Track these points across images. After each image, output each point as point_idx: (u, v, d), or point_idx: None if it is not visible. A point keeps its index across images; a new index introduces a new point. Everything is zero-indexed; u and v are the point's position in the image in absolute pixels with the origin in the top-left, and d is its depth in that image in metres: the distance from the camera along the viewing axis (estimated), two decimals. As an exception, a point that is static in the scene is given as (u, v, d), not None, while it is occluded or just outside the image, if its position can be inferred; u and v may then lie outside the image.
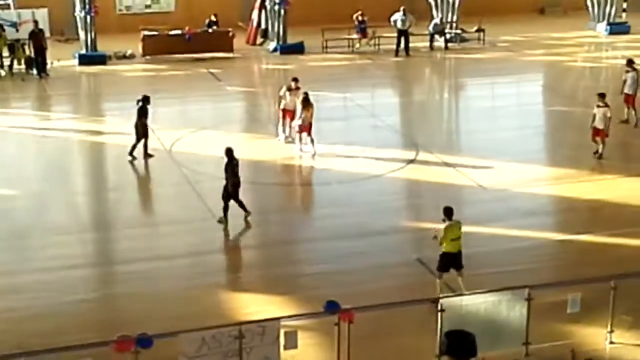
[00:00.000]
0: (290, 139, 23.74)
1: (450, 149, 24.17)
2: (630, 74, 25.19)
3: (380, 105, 29.07)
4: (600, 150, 22.60)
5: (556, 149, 23.59)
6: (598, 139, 22.61)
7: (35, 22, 32.52)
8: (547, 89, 30.94)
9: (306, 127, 22.78)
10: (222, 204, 18.44)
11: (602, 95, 22.82)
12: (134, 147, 22.33)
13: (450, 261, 15.45)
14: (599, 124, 22.45)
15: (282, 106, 23.98)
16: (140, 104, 22.35)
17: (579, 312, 13.76)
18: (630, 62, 25.61)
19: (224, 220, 18.43)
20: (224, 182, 18.47)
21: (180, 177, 21.70)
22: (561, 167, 22.27)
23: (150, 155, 22.48)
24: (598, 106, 22.64)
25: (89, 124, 26.42)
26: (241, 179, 18.58)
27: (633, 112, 25.13)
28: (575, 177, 21.46)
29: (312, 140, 22.79)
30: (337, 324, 12.70)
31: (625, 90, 25.23)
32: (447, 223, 15.35)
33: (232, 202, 18.44)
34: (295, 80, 24.24)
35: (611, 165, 22.29)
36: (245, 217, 18.72)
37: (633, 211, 19.41)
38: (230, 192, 18.44)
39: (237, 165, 18.54)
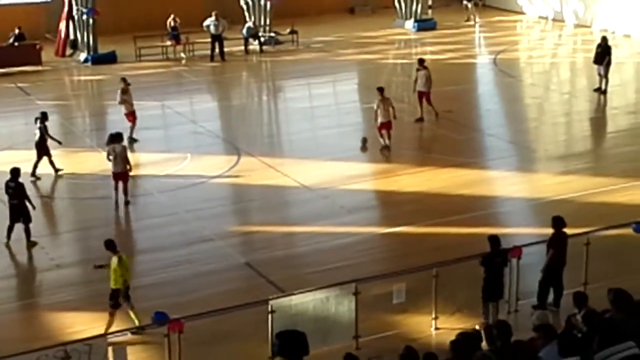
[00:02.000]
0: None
1: (271, 151, 24.28)
2: (421, 73, 25.82)
3: (199, 111, 28.84)
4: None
5: (374, 145, 24.09)
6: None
7: None
8: (361, 87, 31.61)
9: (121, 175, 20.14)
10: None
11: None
12: (36, 165, 21.76)
13: (118, 295, 14.41)
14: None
15: (124, 110, 24.34)
16: (39, 122, 21.77)
17: (404, 302, 14.11)
18: (421, 61, 26.27)
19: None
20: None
21: (-7, 198, 20.73)
22: (380, 163, 22.80)
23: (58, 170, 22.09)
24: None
25: None
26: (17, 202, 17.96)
27: (431, 107, 25.82)
28: (394, 171, 22.02)
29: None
30: (166, 335, 12.46)
31: (419, 88, 25.83)
32: (117, 257, 14.37)
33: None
34: (124, 79, 24.74)
35: (428, 158, 23.02)
36: (27, 244, 17.97)
37: (450, 200, 20.10)
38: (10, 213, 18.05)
39: (16, 187, 17.95)
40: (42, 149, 21.85)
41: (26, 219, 17.97)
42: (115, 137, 20.14)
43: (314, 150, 23.72)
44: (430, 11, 40.66)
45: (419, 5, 39.63)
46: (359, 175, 21.79)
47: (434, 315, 14.45)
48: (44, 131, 21.92)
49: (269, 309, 12.97)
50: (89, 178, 22.09)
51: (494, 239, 14.36)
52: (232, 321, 14.23)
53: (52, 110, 28.25)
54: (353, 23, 41.29)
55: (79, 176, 22.20)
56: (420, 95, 25.88)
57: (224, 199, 21.19)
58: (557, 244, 14.69)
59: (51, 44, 35.03)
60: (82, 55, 34.53)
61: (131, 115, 24.35)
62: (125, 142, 21.78)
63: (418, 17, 39.72)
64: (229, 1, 37.62)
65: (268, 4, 36.85)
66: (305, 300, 13.29)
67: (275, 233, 18.77)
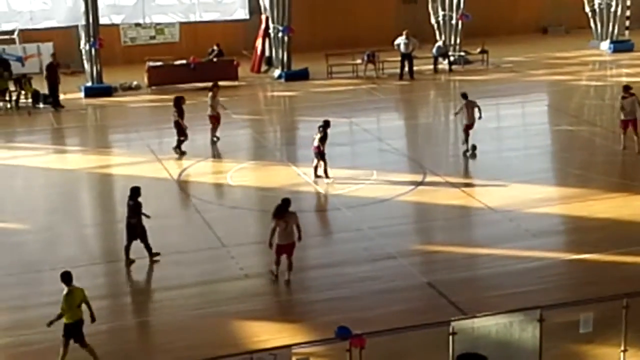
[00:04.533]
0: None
1: (457, 171, 24.21)
2: (628, 100, 23.90)
3: (386, 129, 29.13)
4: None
5: (564, 168, 23.59)
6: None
7: (53, 55, 32.85)
8: (552, 109, 30.95)
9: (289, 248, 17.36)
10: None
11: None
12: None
13: (77, 330, 14.32)
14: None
15: (209, 112, 26.61)
16: (322, 130, 23.02)
17: (591, 332, 13.70)
18: (627, 88, 24.31)
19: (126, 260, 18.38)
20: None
21: (189, 206, 21.76)
22: (569, 187, 22.25)
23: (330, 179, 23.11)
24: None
25: (97, 156, 26.54)
26: (145, 223, 18.31)
27: (637, 137, 24.00)
28: (583, 196, 21.43)
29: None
30: (348, 350, 12.66)
31: (625, 117, 24.05)
32: (66, 289, 14.26)
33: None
34: (216, 85, 27.15)
35: (619, 184, 22.28)
36: (150, 259, 18.42)
37: (642, 229, 19.39)
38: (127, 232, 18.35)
39: (135, 206, 18.19)
40: (321, 155, 22.85)
41: (143, 237, 18.29)
42: (284, 206, 17.24)
43: (500, 172, 23.45)
44: (627, 32, 39.33)
45: (616, 26, 38.42)
46: (546, 199, 21.36)
47: (622, 348, 13.96)
48: (322, 139, 22.81)
49: (451, 330, 12.93)
50: (278, 191, 22.73)
51: None
52: (412, 340, 14.29)
53: (245, 125, 29.48)
54: (545, 43, 40.52)
55: (269, 189, 22.92)
56: (626, 123, 24.12)
57: (407, 217, 21.30)
58: None
59: (247, 60, 36.35)
60: (276, 72, 35.64)
61: (214, 118, 26.51)
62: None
63: (614, 38, 38.51)
64: (420, 20, 37.84)
65: (459, 22, 36.78)
66: (488, 324, 13.13)
67: (458, 254, 18.68)
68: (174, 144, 25.70)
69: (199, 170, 24.71)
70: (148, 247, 18.43)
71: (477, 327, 13.02)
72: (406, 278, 17.48)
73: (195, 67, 34.30)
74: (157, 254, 18.48)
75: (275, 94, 34.63)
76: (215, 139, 26.73)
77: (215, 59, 35.39)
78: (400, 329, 14.26)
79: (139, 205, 18.35)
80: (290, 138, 28.73)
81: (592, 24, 39.02)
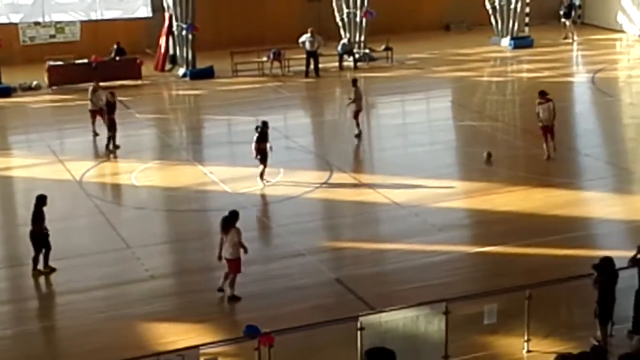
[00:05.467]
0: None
1: (363, 168, 24.38)
2: (544, 105, 23.47)
3: (292, 126, 29.11)
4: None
5: (467, 163, 23.96)
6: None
7: None
8: (455, 105, 31.44)
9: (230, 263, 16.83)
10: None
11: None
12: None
13: None
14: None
15: (89, 107, 26.67)
16: (259, 130, 22.61)
17: (495, 323, 13.97)
18: (543, 93, 23.70)
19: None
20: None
21: (92, 208, 21.33)
22: (473, 181, 22.61)
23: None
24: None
25: (-4, 158, 25.81)
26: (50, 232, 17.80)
27: (553, 142, 23.69)
28: (487, 190, 21.80)
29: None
30: (257, 348, 12.62)
31: (544, 123, 23.50)
32: None
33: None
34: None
35: (522, 177, 22.73)
36: (33, 271, 17.66)
37: (544, 221, 19.82)
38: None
39: (34, 214, 17.66)
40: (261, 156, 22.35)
41: (40, 246, 17.61)
42: (230, 219, 16.80)
43: (406, 168, 23.68)
44: (527, 29, 40.17)
45: (516, 23, 39.22)
46: (451, 194, 21.66)
47: (525, 338, 14.27)
48: (258, 139, 22.35)
49: (359, 325, 12.99)
50: (184, 191, 22.54)
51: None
52: (321, 337, 14.33)
53: (149, 124, 29.09)
54: (448, 40, 41.09)
55: (174, 189, 22.66)
56: (545, 130, 23.57)
57: (315, 214, 21.33)
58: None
59: (151, 59, 35.85)
60: (181, 70, 35.24)
61: (97, 113, 26.48)
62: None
63: (515, 35, 39.32)
64: (324, 18, 37.94)
65: (363, 20, 37.02)
66: (395, 318, 13.26)
67: (366, 250, 18.81)
68: (75, 145, 25.30)
69: (103, 171, 24.28)
70: (43, 258, 17.69)
71: (384, 322, 13.14)
72: (315, 275, 17.52)
73: (97, 66, 33.60)
74: (54, 269, 17.74)
75: (180, 92, 34.26)
76: (96, 133, 26.67)
77: (117, 58, 34.80)
78: (309, 325, 14.30)
79: (39, 213, 17.74)
80: (196, 137, 28.45)
81: (492, 21, 39.73)
